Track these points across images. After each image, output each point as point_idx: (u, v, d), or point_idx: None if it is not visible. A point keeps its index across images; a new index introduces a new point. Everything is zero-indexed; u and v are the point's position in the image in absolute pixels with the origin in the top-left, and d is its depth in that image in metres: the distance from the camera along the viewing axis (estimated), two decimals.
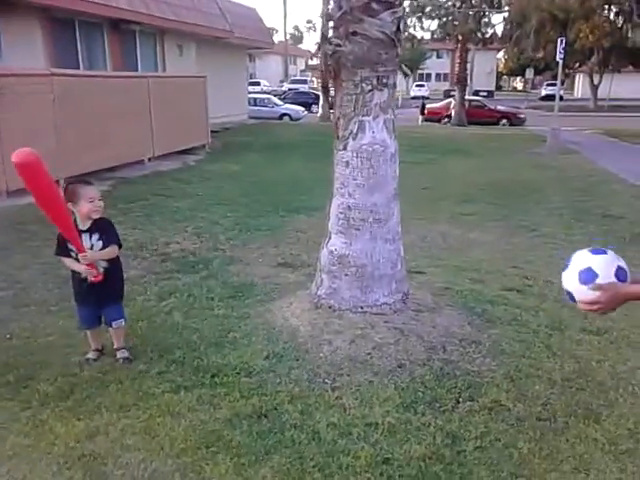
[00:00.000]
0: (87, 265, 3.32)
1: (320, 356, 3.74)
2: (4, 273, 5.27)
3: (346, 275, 4.14)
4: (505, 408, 3.19)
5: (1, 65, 10.28)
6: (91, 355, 3.63)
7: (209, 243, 6.47)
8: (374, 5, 3.81)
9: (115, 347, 3.65)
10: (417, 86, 55.32)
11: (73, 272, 3.49)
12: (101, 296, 3.47)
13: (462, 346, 3.90)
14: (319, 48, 3.99)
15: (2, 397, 3.15)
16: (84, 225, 3.38)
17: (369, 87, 3.90)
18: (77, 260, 3.34)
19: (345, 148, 4.00)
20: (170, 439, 2.84)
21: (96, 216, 3.39)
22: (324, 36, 3.95)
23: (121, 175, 10.65)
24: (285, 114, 29.27)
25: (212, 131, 15.61)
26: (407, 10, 27.23)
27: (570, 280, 1.92)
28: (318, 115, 28.99)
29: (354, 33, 3.84)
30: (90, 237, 3.39)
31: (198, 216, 7.76)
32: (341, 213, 4.11)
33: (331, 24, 4.03)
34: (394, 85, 4.03)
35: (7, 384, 3.29)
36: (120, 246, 3.54)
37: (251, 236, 6.84)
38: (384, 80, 3.93)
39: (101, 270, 3.41)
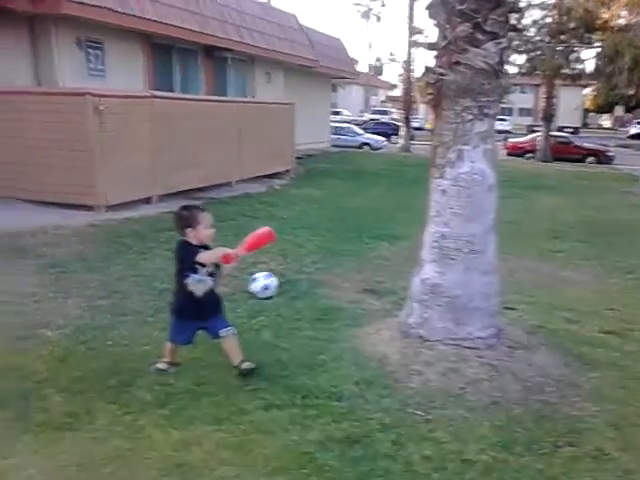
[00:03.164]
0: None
1: (411, 386, 3.67)
2: (104, 283, 5.51)
3: (438, 305, 4.06)
4: (611, 458, 3.01)
5: (104, 86, 10.91)
6: (161, 366, 3.67)
7: (295, 265, 6.54)
8: (478, 35, 3.80)
9: (236, 364, 3.60)
10: (499, 120, 54.30)
11: (182, 287, 3.56)
12: (209, 307, 3.59)
13: (560, 388, 3.73)
14: (423, 75, 4.01)
15: (106, 400, 3.27)
16: None
17: (470, 116, 3.87)
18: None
19: (442, 176, 3.97)
20: (263, 457, 2.84)
21: (209, 242, 3.56)
22: (427, 66, 3.97)
23: (210, 195, 10.98)
24: (366, 143, 29.47)
25: (297, 157, 15.91)
26: None
27: None
28: (398, 146, 29.03)
29: (457, 63, 3.84)
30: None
31: (283, 238, 7.85)
32: (435, 242, 4.06)
33: (434, 54, 4.04)
34: (495, 116, 3.99)
35: (110, 388, 3.41)
36: None
37: (335, 261, 6.87)
38: (485, 110, 3.90)
39: (211, 283, 3.58)
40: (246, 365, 3.59)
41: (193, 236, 3.50)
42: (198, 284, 3.52)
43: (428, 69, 3.95)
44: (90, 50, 11.44)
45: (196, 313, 3.59)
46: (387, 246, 7.78)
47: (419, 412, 3.38)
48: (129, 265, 6.14)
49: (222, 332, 3.60)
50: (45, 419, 3.06)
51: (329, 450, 2.94)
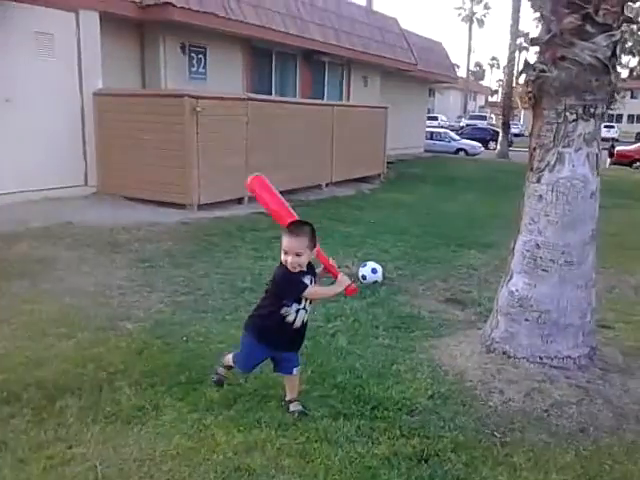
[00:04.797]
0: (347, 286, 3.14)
1: (489, 405, 3.43)
2: (188, 279, 5.61)
3: (526, 320, 3.78)
4: None
5: (205, 89, 11.25)
6: (223, 372, 3.42)
7: None
8: (588, 27, 3.49)
9: (288, 399, 3.25)
10: (605, 127, 51.36)
11: (275, 313, 3.10)
12: (301, 339, 3.25)
13: None
14: (520, 73, 3.75)
15: (174, 396, 3.27)
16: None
17: (573, 116, 3.57)
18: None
19: (539, 181, 3.69)
20: (325, 468, 2.72)
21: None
22: (527, 62, 3.70)
23: (299, 198, 11.03)
24: (461, 149, 28.79)
25: (388, 162, 15.71)
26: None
27: None
28: (495, 152, 28.10)
29: (562, 58, 3.55)
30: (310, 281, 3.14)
31: (368, 243, 7.74)
32: (527, 251, 3.78)
33: (536, 49, 3.77)
34: (602, 116, 3.65)
35: (179, 384, 3.41)
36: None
37: (420, 268, 6.64)
38: (591, 110, 3.58)
39: (307, 312, 3.18)
40: (297, 408, 3.20)
41: (308, 255, 3.05)
42: (296, 314, 3.11)
43: (528, 65, 3.67)
44: (193, 54, 11.89)
45: (289, 344, 3.19)
46: (476, 254, 7.45)
47: (497, 433, 3.13)
48: (214, 263, 6.23)
49: (295, 370, 3.24)
50: (114, 411, 3.10)
51: (395, 467, 2.76)
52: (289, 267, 3.00)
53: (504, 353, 3.86)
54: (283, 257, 3.01)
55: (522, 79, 3.74)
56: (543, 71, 3.60)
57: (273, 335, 3.13)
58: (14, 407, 3.09)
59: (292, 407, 3.21)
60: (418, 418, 3.24)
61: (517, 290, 3.84)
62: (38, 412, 3.05)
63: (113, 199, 9.21)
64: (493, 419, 3.28)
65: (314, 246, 3.06)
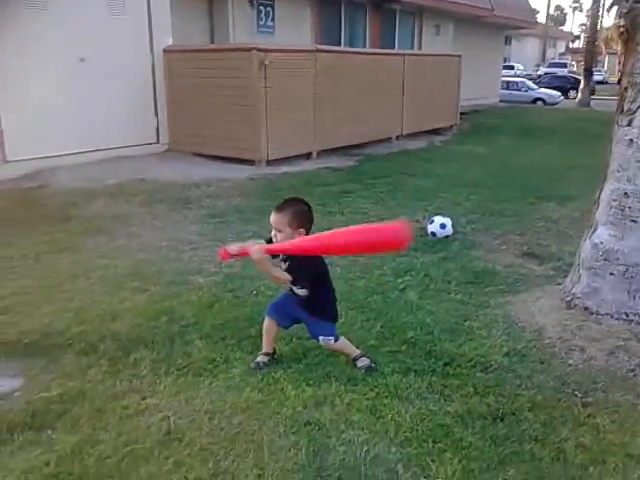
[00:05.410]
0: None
1: (570, 363, 3.25)
2: (257, 234, 5.55)
3: (611, 274, 3.54)
4: None
5: (274, 41, 11.11)
6: (261, 359, 3.15)
7: None
8: None
9: (351, 358, 3.16)
10: None
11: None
12: (298, 307, 3.09)
13: None
14: (611, 6, 3.40)
15: (244, 349, 3.28)
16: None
17: None
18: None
19: (630, 123, 3.39)
20: (396, 424, 2.66)
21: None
22: None
23: (368, 152, 10.82)
24: (539, 99, 27.40)
25: (461, 113, 15.14)
26: None
27: None
28: (576, 100, 26.56)
29: None
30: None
31: (440, 196, 7.50)
32: (615, 200, 3.50)
33: None
34: None
35: (249, 337, 3.42)
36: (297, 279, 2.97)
37: (494, 221, 6.38)
38: None
39: (301, 294, 3.02)
40: (364, 363, 3.11)
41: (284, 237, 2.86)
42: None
43: None
44: (261, 7, 11.73)
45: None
46: (555, 207, 7.08)
47: (577, 393, 2.96)
48: None
49: (321, 339, 3.11)
50: (186, 363, 3.14)
51: (469, 425, 2.67)
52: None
53: (586, 309, 3.64)
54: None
55: (613, 12, 3.40)
56: (637, 2, 3.25)
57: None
58: (91, 358, 3.19)
59: (359, 363, 3.14)
60: (493, 376, 3.11)
61: (602, 242, 3.58)
62: (113, 363, 3.13)
63: (184, 156, 9.32)
64: (573, 378, 3.11)
65: (298, 227, 2.84)
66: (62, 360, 3.18)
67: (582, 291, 3.69)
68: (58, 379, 2.99)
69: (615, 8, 3.42)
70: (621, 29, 3.31)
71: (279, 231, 2.86)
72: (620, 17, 3.30)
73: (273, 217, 2.88)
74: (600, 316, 3.56)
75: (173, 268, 4.65)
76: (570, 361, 3.26)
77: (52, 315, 3.72)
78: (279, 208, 2.89)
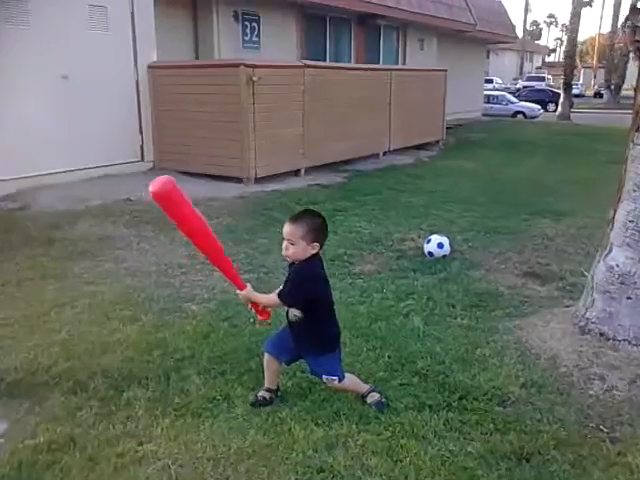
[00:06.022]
0: (251, 304, 2.87)
1: (590, 394, 3.09)
2: (250, 256, 5.42)
3: (629, 298, 3.39)
4: None
5: (258, 57, 10.96)
6: (262, 394, 2.95)
7: None
8: None
9: (360, 395, 2.97)
10: None
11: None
12: (295, 340, 2.87)
13: None
14: (626, 21, 3.29)
15: (245, 385, 3.07)
16: None
17: None
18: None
19: None
20: (415, 468, 2.46)
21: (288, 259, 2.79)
22: (634, 6, 3.24)
23: (356, 168, 10.68)
24: (519, 112, 27.76)
25: (446, 127, 15.11)
26: None
27: None
28: (557, 114, 26.81)
29: None
30: None
31: (432, 213, 7.36)
32: (631, 221, 3.37)
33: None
34: None
35: (249, 371, 3.21)
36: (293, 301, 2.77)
37: (491, 239, 6.24)
38: None
39: (293, 319, 2.79)
40: (373, 399, 2.92)
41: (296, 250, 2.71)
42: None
43: (635, 10, 3.21)
44: (246, 23, 11.62)
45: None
46: (549, 223, 6.98)
47: (603, 427, 2.80)
48: (274, 239, 5.97)
49: (324, 378, 2.88)
50: (184, 403, 2.91)
51: (493, 467, 2.48)
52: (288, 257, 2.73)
53: (601, 335, 3.49)
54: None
55: (626, 26, 3.28)
56: None
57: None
58: (81, 398, 2.95)
59: (369, 399, 2.94)
60: (512, 409, 2.93)
61: (618, 265, 3.44)
62: (105, 404, 2.90)
63: (169, 174, 9.04)
64: (596, 410, 2.94)
65: (313, 241, 2.66)
66: (49, 401, 2.94)
67: (597, 316, 3.54)
68: (45, 423, 2.75)
69: (628, 22, 3.27)
70: (636, 44, 3.19)
71: (292, 244, 2.68)
72: (634, 32, 3.18)
73: (287, 228, 2.69)
74: (617, 342, 3.41)
75: (164, 294, 4.42)
76: (590, 391, 3.10)
77: (37, 349, 3.47)
78: (294, 219, 2.70)
